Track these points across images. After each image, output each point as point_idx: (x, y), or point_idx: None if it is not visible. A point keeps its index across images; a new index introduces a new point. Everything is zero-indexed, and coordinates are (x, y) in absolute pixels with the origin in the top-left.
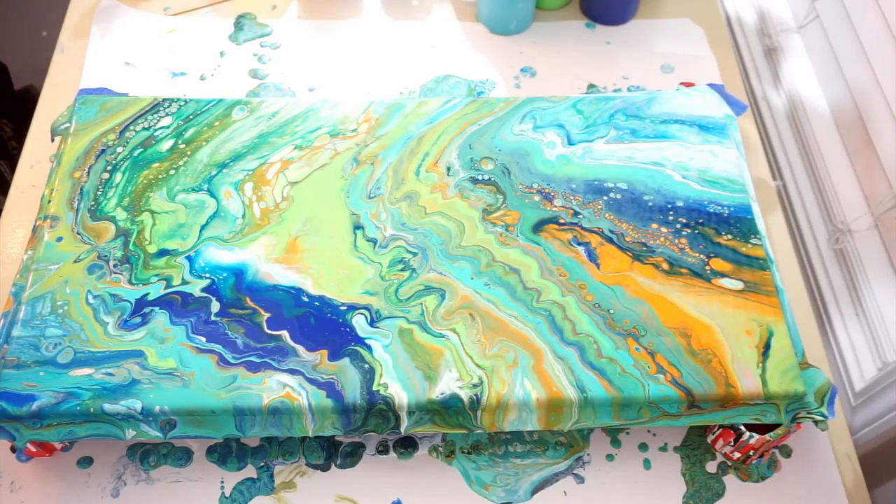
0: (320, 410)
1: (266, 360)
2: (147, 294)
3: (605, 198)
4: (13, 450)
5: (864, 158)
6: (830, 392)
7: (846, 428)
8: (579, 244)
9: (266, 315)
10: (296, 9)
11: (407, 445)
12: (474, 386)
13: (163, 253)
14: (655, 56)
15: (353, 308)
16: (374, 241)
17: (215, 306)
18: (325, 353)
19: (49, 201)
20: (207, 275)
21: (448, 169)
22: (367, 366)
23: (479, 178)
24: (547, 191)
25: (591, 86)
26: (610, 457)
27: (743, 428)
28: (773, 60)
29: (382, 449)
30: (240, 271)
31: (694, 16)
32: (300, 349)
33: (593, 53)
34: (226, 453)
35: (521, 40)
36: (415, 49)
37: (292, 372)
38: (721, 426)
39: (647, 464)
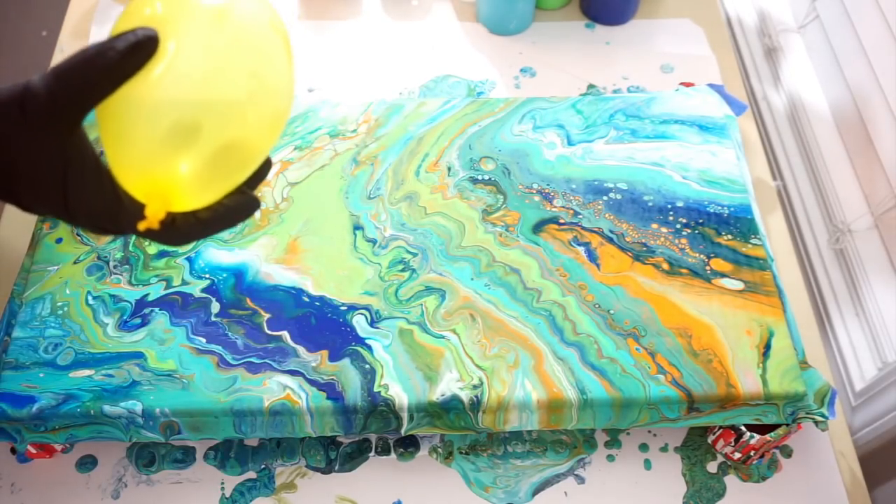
0: (320, 412)
1: (266, 360)
2: (147, 295)
3: (605, 198)
4: (13, 451)
5: (864, 158)
6: (830, 393)
7: (846, 428)
8: (579, 244)
9: (266, 316)
10: (296, 9)
11: (408, 445)
12: (475, 387)
13: (163, 254)
14: (655, 56)
15: (353, 308)
16: (373, 242)
17: (215, 307)
18: (325, 353)
19: None
20: (207, 275)
21: (448, 169)
22: (367, 366)
23: (479, 178)
24: (547, 191)
25: (591, 86)
26: (610, 457)
27: (743, 428)
28: (773, 60)
29: (383, 448)
30: (240, 272)
31: (694, 16)
32: (300, 350)
33: (593, 53)
34: (225, 455)
35: (520, 40)
36: (414, 49)
37: (292, 373)
38: (721, 426)
39: (647, 464)
